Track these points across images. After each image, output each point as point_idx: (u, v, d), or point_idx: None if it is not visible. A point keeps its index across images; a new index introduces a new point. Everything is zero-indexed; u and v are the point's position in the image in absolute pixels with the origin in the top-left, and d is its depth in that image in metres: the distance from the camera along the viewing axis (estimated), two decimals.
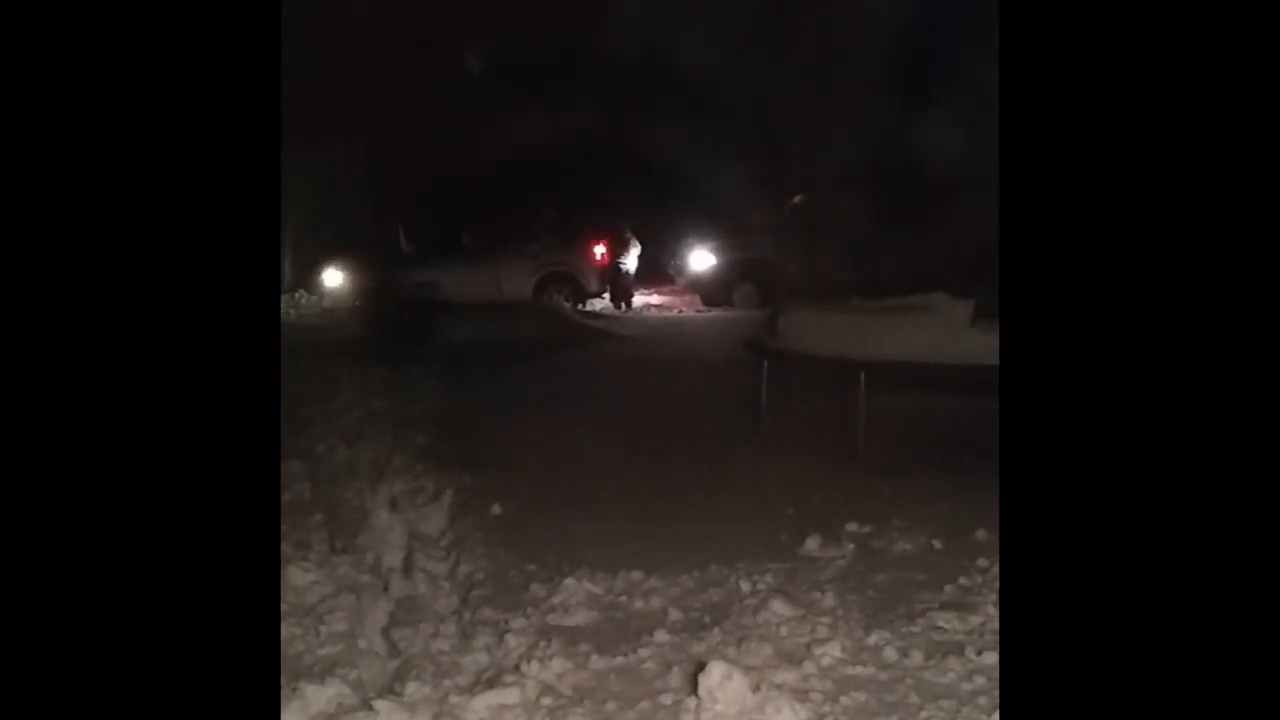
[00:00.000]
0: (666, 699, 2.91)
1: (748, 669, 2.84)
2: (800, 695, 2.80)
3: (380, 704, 2.87)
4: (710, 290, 14.67)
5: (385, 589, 4.01)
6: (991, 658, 2.98)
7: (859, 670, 3.02)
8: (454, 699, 2.95)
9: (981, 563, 3.81)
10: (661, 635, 3.37)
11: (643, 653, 3.24)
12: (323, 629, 3.47)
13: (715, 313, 13.80)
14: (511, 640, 3.41)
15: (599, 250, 14.28)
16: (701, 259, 14.77)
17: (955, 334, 5.46)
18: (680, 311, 14.48)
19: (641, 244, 14.84)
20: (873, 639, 3.20)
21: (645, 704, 2.90)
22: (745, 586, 3.77)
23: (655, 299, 15.54)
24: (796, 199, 15.09)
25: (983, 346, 4.83)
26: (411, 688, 3.04)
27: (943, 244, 11.38)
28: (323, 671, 3.12)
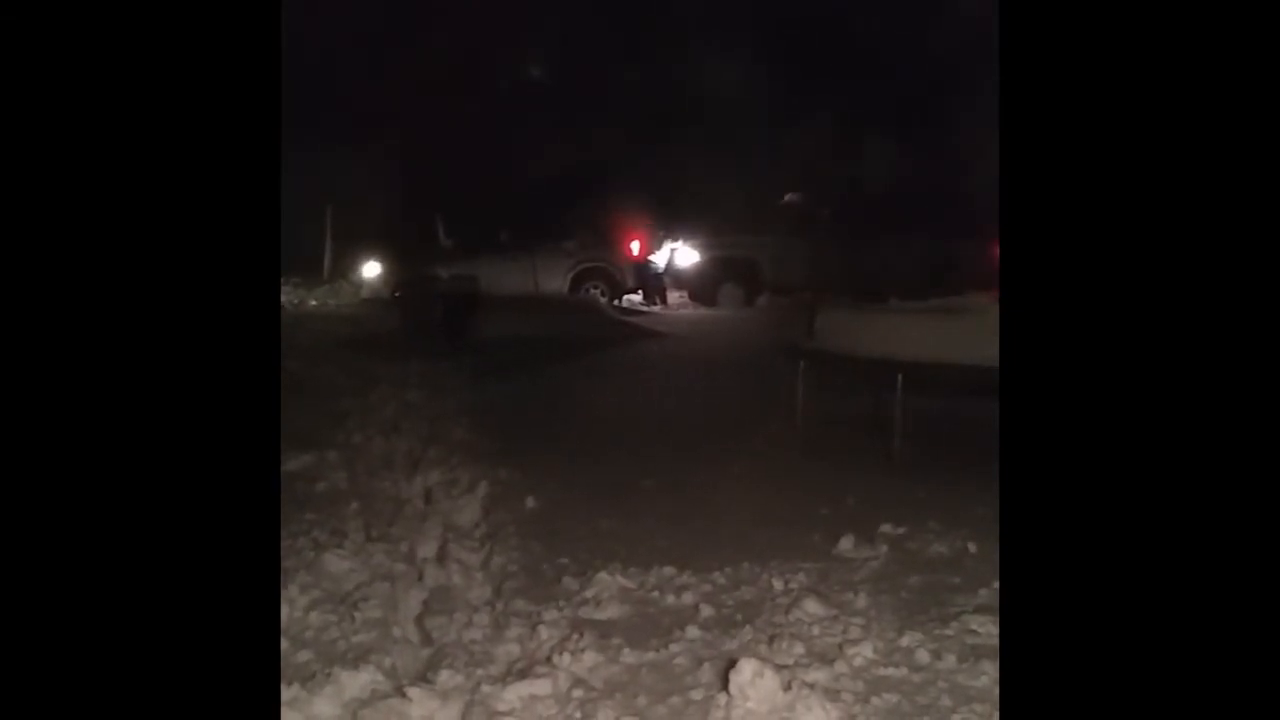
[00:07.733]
0: (697, 695, 2.91)
1: (779, 667, 2.83)
2: (831, 695, 2.79)
3: (413, 691, 2.90)
4: (694, 288, 14.37)
5: (419, 578, 4.04)
6: None
7: (891, 671, 3.00)
8: (486, 688, 2.97)
9: None
10: (693, 631, 3.38)
11: (674, 648, 3.25)
12: (357, 616, 3.50)
13: (749, 311, 13.72)
14: (544, 632, 3.43)
15: (634, 245, 14.25)
16: (685, 256, 14.40)
17: (994, 336, 5.40)
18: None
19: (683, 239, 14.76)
20: (905, 640, 3.18)
21: (676, 699, 2.90)
22: (778, 585, 3.76)
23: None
24: (786, 198, 14.92)
25: None
26: (444, 676, 3.06)
27: (921, 249, 11.55)
28: (356, 658, 3.15)
